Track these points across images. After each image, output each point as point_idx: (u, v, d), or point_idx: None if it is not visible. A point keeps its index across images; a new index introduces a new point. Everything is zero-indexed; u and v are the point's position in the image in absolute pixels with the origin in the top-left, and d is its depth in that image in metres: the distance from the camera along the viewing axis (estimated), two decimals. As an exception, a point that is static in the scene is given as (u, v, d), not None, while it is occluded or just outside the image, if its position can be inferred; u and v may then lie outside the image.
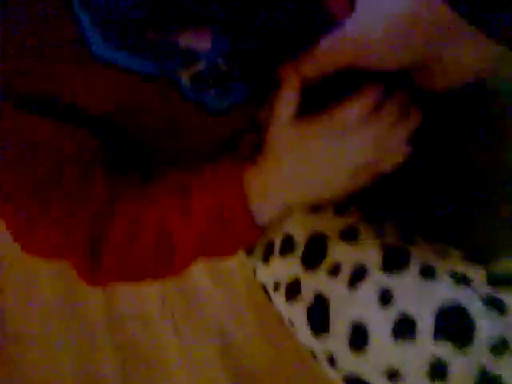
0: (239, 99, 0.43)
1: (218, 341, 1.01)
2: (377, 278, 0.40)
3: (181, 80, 0.40)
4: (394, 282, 0.40)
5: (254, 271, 0.52)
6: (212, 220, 0.40)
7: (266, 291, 0.50)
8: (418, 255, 0.42)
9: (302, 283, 0.44)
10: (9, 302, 1.20)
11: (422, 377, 0.38)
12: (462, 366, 0.37)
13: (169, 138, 0.43)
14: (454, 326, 0.38)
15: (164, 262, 0.42)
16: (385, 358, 0.39)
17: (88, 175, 0.40)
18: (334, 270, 0.42)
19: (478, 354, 0.37)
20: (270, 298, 0.50)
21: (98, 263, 0.40)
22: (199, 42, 0.39)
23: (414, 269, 0.41)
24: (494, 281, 0.43)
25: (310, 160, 0.40)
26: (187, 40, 0.38)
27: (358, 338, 0.39)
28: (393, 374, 0.38)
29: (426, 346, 0.38)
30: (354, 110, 0.37)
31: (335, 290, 0.41)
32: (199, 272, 1.06)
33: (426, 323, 0.38)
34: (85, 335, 1.13)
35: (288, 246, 0.46)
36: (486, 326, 0.38)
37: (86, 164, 0.40)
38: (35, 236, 0.40)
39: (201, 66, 0.40)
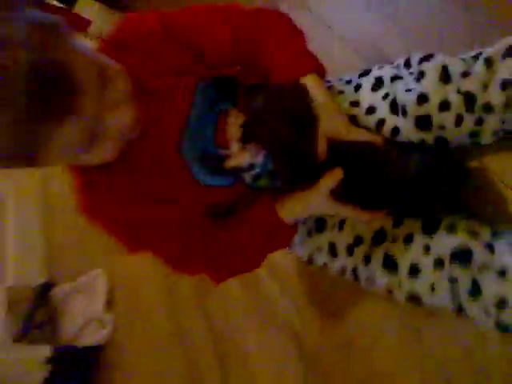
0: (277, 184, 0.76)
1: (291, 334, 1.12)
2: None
3: (245, 178, 0.74)
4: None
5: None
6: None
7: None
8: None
9: None
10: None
11: None
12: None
13: (239, 205, 0.77)
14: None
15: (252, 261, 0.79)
16: None
17: (202, 238, 0.75)
18: None
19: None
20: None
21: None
22: (257, 158, 0.70)
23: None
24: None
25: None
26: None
27: None
28: None
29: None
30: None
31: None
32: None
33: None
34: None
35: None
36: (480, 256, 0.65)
37: (201, 232, 0.75)
38: (188, 268, 0.79)
39: (256, 171, 0.72)
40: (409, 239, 0.71)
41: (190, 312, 1.44)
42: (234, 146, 0.70)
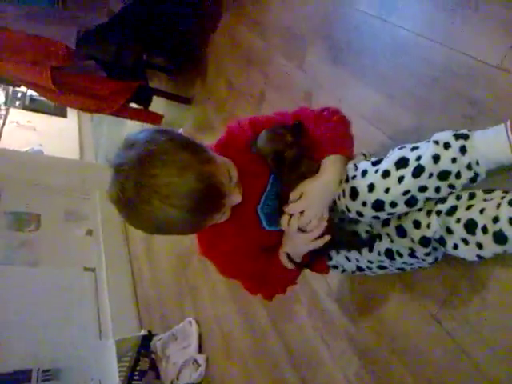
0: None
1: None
2: None
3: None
4: None
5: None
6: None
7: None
8: None
9: None
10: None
11: None
12: None
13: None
14: None
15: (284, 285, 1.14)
16: None
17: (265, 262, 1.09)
18: None
19: None
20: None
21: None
22: None
23: None
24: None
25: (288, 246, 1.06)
26: None
27: None
28: None
29: None
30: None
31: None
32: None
33: None
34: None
35: None
36: None
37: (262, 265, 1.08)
38: (260, 291, 1.13)
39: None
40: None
41: (268, 338, 1.73)
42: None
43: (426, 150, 0.89)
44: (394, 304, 1.23)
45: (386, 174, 0.92)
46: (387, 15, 1.43)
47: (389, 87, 1.38)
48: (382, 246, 1.05)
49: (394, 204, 0.92)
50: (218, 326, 2.09)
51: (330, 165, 0.98)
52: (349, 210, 1.00)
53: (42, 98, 3.71)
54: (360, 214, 0.98)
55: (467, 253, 0.91)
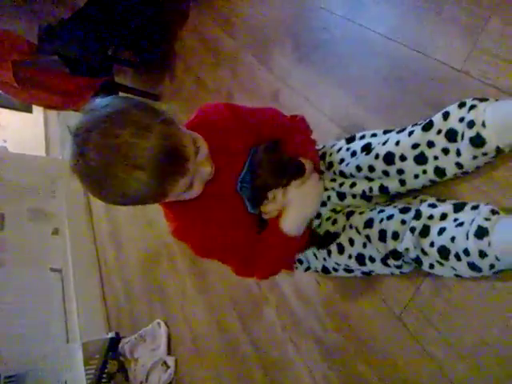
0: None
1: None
2: None
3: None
4: None
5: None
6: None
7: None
8: None
9: None
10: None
11: None
12: None
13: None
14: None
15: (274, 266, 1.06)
16: None
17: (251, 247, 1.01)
18: None
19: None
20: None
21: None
22: None
23: None
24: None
25: (301, 203, 1.01)
26: None
27: None
28: None
29: None
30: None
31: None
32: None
33: None
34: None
35: None
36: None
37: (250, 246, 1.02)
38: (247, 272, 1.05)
39: None
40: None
41: (237, 339, 1.72)
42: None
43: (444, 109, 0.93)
44: (360, 304, 1.24)
45: (401, 130, 1.00)
46: (355, 17, 1.43)
47: (355, 88, 1.38)
48: (353, 250, 1.05)
49: (403, 157, 0.96)
50: (187, 327, 2.07)
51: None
52: (359, 169, 1.04)
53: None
54: (371, 169, 1.02)
55: (444, 272, 0.92)
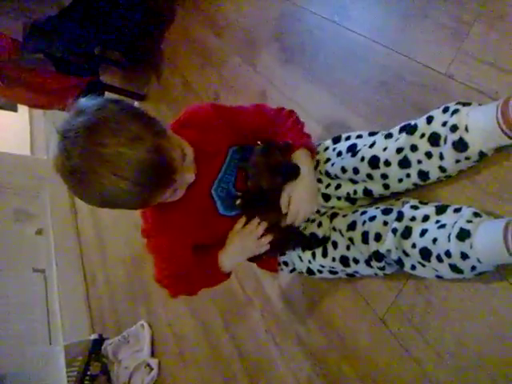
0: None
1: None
2: None
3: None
4: None
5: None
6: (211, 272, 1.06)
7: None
8: None
9: None
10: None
11: None
12: None
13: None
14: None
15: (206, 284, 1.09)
16: None
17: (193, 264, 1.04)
18: None
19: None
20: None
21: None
22: None
23: None
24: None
25: (236, 246, 1.05)
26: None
27: None
28: None
29: None
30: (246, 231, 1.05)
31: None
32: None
33: None
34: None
35: None
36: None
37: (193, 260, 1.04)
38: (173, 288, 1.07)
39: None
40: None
41: (221, 342, 1.71)
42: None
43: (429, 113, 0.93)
44: (343, 306, 1.24)
45: (388, 135, 1.00)
46: (341, 19, 1.44)
47: (340, 89, 1.39)
48: (337, 252, 1.06)
49: (387, 162, 0.96)
50: (171, 329, 2.06)
51: (304, 163, 1.02)
52: (344, 170, 1.04)
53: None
54: (356, 171, 1.02)
55: (426, 274, 0.93)
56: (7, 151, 4.24)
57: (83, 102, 0.81)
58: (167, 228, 1.00)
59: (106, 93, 2.75)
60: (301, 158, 1.02)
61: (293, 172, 1.00)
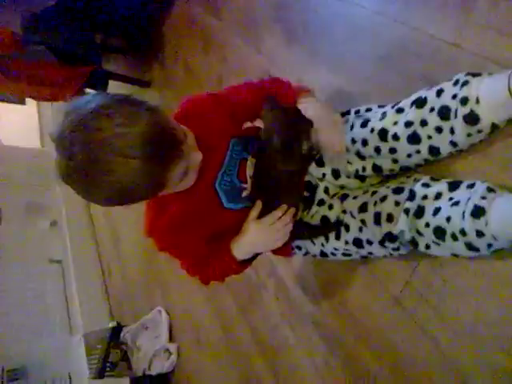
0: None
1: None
2: None
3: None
4: None
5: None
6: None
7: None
8: None
9: None
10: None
11: None
12: None
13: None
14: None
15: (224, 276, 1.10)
16: None
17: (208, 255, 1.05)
18: None
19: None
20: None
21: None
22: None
23: None
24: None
25: (255, 236, 1.02)
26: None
27: None
28: None
29: None
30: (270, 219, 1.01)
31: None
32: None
33: None
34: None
35: None
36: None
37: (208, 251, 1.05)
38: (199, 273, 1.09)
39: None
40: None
41: (237, 326, 1.73)
42: (249, 182, 1.04)
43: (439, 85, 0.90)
44: (357, 287, 1.23)
45: (399, 110, 0.95)
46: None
47: (346, 67, 1.35)
48: (350, 235, 1.03)
49: (396, 137, 0.93)
50: (188, 315, 2.08)
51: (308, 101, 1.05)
52: (354, 141, 1.01)
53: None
54: (364, 142, 0.99)
55: (441, 252, 0.91)
56: (17, 145, 4.27)
57: (70, 103, 0.79)
58: (173, 223, 0.98)
59: (110, 81, 2.74)
60: (303, 101, 1.04)
61: (305, 120, 0.96)
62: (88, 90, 2.71)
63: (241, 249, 1.03)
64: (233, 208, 1.03)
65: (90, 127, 0.74)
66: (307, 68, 1.50)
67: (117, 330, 2.45)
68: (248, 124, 1.07)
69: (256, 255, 1.10)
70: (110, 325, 2.52)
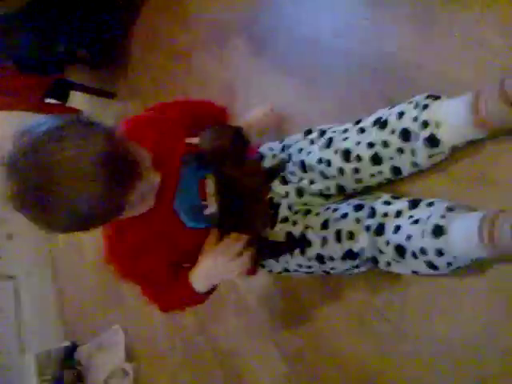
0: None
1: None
2: None
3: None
4: None
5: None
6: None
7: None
8: None
9: None
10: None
11: None
12: None
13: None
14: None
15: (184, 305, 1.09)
16: None
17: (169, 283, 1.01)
18: None
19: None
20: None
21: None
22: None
23: None
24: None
25: (209, 269, 1.00)
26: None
27: None
28: None
29: None
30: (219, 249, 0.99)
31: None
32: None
33: None
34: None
35: None
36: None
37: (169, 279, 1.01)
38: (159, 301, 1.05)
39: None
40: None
41: (197, 344, 1.68)
42: (210, 199, 1.01)
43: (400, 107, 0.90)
44: (318, 304, 1.22)
45: (361, 130, 0.95)
46: (304, 11, 1.41)
47: (309, 80, 1.36)
48: (312, 251, 1.02)
49: (359, 157, 0.93)
50: (145, 332, 2.01)
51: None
52: (320, 161, 1.00)
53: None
54: (328, 163, 0.98)
55: (401, 270, 0.91)
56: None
57: (21, 126, 0.75)
58: (133, 249, 0.95)
59: (73, 91, 2.67)
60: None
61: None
62: (49, 100, 2.65)
63: (198, 281, 1.00)
64: (195, 227, 1.00)
65: (43, 150, 0.70)
66: (271, 82, 1.50)
67: (71, 350, 2.35)
68: (190, 140, 1.04)
69: (216, 286, 1.06)
70: (64, 344, 2.41)
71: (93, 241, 2.64)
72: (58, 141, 0.71)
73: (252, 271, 1.17)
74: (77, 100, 2.72)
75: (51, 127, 0.73)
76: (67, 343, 2.41)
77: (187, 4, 2.06)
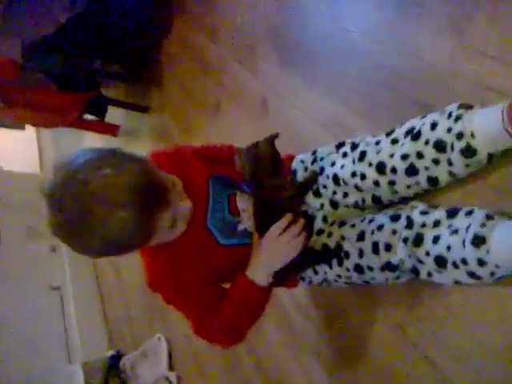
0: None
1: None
2: None
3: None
4: None
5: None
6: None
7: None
8: None
9: None
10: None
11: None
12: None
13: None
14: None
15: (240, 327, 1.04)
16: None
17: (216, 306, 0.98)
18: None
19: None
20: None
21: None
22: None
23: None
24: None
25: (270, 249, 0.97)
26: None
27: None
28: None
29: None
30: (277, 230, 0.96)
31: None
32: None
33: None
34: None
35: None
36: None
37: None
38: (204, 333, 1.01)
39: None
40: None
41: (238, 355, 1.69)
42: (243, 214, 1.03)
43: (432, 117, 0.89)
44: (360, 315, 1.21)
45: (394, 141, 0.94)
46: (338, 19, 1.40)
47: (341, 91, 1.35)
48: (350, 262, 1.01)
49: (394, 169, 0.92)
50: (188, 343, 2.03)
51: None
52: (354, 175, 1.00)
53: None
54: (363, 177, 0.98)
55: (443, 280, 0.89)
56: (17, 170, 4.27)
57: (61, 157, 0.83)
58: (173, 272, 0.97)
59: (109, 106, 2.75)
60: None
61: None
62: (87, 116, 2.74)
63: (258, 272, 0.98)
64: (227, 244, 1.02)
65: (80, 180, 0.77)
66: (302, 93, 1.50)
67: (116, 359, 2.41)
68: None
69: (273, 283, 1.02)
70: (110, 353, 2.48)
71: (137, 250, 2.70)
72: (92, 171, 0.78)
73: (293, 283, 1.18)
74: (113, 115, 2.79)
75: (86, 159, 0.80)
76: (112, 352, 2.47)
77: (218, 17, 2.09)
